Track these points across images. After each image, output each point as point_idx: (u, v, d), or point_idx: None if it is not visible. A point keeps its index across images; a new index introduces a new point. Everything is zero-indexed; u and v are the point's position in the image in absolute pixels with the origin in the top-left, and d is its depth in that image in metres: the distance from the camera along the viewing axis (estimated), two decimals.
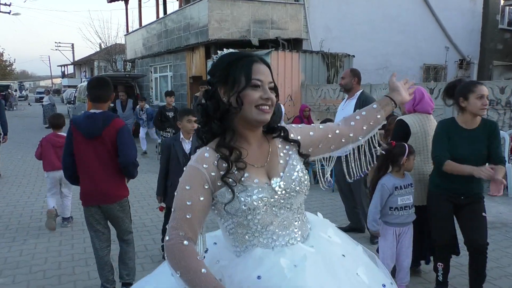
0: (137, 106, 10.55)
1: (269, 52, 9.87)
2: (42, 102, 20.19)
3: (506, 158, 6.34)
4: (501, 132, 6.54)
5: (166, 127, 7.73)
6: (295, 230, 1.44)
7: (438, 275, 3.07)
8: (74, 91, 17.95)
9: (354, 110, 3.96)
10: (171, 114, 7.79)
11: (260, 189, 1.36)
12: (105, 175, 2.93)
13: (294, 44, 11.99)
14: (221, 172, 1.35)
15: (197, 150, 1.43)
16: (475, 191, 2.92)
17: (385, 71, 13.29)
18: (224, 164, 1.36)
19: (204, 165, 1.35)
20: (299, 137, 1.55)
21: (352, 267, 1.43)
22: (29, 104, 37.05)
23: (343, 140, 1.62)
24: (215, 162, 1.36)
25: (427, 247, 3.40)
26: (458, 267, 3.59)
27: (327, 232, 1.54)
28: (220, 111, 1.39)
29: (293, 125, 1.63)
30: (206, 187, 1.34)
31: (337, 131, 1.62)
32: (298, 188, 1.43)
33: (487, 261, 2.95)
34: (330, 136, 1.61)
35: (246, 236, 1.39)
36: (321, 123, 1.96)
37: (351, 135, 1.63)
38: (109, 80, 3.17)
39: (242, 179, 1.35)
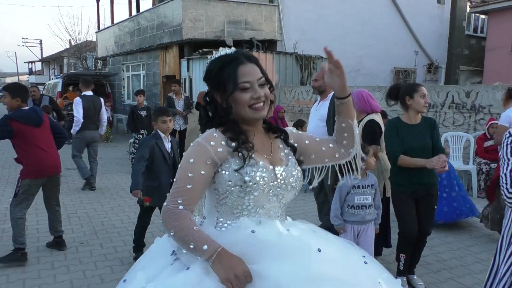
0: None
1: None
2: None
3: (471, 160, 6.57)
4: (466, 134, 6.80)
5: (138, 128, 7.59)
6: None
7: (400, 264, 3.25)
8: (42, 89, 17.39)
9: (328, 112, 4.02)
10: (143, 113, 7.66)
11: (264, 169, 1.44)
12: (55, 150, 3.93)
13: (268, 45, 12.04)
14: (230, 149, 1.43)
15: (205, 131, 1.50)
16: (432, 182, 3.22)
17: (358, 74, 13.53)
18: (233, 144, 1.44)
19: (212, 143, 1.43)
20: (296, 144, 1.62)
21: (327, 236, 1.55)
22: None
23: (336, 155, 1.65)
24: (223, 141, 1.44)
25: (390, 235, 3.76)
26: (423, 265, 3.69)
27: (301, 225, 1.60)
28: (219, 115, 1.49)
29: (294, 130, 1.69)
30: (208, 162, 1.41)
31: (331, 145, 1.65)
32: (294, 184, 1.52)
33: (452, 259, 3.37)
34: (324, 149, 1.65)
35: (234, 212, 1.45)
36: (293, 124, 2.00)
37: (342, 151, 1.65)
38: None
39: (251, 156, 1.43)
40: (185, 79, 11.54)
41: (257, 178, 1.41)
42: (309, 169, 1.69)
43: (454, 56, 15.70)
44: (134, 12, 16.24)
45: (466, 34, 16.22)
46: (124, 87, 16.18)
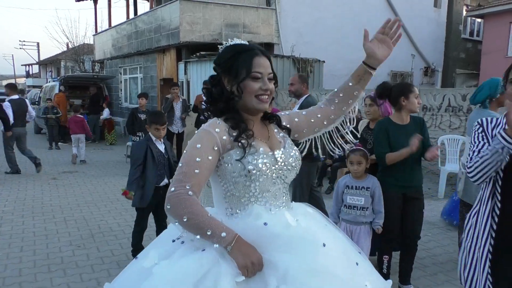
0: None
1: None
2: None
3: (465, 163, 6.58)
4: (461, 137, 6.83)
5: (136, 130, 7.60)
6: (283, 203, 1.57)
7: (383, 267, 3.23)
8: (39, 92, 17.35)
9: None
10: (143, 116, 7.67)
11: (265, 155, 1.50)
12: None
13: (266, 49, 12.02)
14: (231, 138, 1.48)
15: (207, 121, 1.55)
16: (419, 181, 3.23)
17: None
18: (234, 133, 1.49)
19: (217, 129, 1.47)
20: (288, 125, 1.70)
21: (334, 232, 1.62)
22: None
23: (325, 123, 1.75)
24: (226, 129, 1.49)
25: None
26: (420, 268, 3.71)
27: (306, 209, 1.70)
28: (224, 97, 1.53)
29: (282, 113, 1.76)
30: (216, 148, 1.45)
31: (319, 115, 1.74)
32: (294, 164, 1.59)
33: (448, 262, 3.37)
34: (312, 120, 1.74)
35: (242, 200, 1.50)
36: None
37: (332, 117, 1.75)
38: None
39: (251, 145, 1.49)
40: (182, 82, 11.55)
41: (260, 165, 1.46)
42: (304, 141, 1.79)
43: (450, 60, 15.77)
44: (131, 15, 16.26)
45: (462, 38, 16.31)
46: (121, 90, 16.18)
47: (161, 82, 12.95)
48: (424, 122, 3.26)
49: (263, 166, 1.47)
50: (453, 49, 15.85)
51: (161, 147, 3.75)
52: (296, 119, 1.73)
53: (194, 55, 11.22)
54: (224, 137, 1.47)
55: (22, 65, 48.52)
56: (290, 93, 4.60)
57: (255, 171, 1.45)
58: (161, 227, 3.87)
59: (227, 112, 1.53)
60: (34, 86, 35.58)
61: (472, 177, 1.87)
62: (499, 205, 1.87)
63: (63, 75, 19.71)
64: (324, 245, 1.41)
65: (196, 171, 1.40)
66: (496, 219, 1.88)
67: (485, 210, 1.91)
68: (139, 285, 1.35)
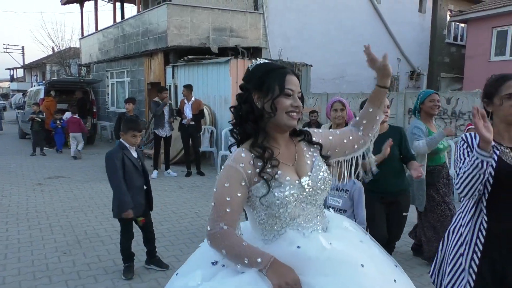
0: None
1: (228, 60, 9.90)
2: None
3: (452, 165, 6.70)
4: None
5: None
6: (317, 223, 1.59)
7: None
8: (24, 96, 17.10)
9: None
10: None
11: (291, 186, 1.51)
12: None
13: (254, 53, 12.10)
14: (257, 170, 1.50)
15: (232, 150, 1.59)
16: (402, 187, 3.28)
17: (342, 81, 13.70)
18: (259, 163, 1.50)
19: (241, 164, 1.50)
20: (320, 141, 1.70)
21: (369, 250, 1.61)
22: None
23: (355, 146, 1.76)
24: (251, 161, 1.51)
25: None
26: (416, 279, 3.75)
27: (343, 224, 1.71)
28: (254, 115, 1.54)
29: (315, 130, 1.77)
30: (243, 184, 1.49)
31: (351, 137, 1.75)
32: (323, 186, 1.60)
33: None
34: (345, 141, 1.75)
35: (275, 227, 1.54)
36: None
37: (362, 141, 1.77)
38: None
39: (276, 176, 1.51)
40: (170, 86, 11.51)
41: (287, 198, 1.49)
42: (335, 164, 1.79)
43: (435, 64, 16.04)
44: (118, 19, 16.15)
45: (446, 42, 16.58)
46: (108, 94, 16.04)
47: (148, 86, 12.88)
48: (403, 132, 3.29)
49: (291, 197, 1.50)
50: (437, 53, 16.12)
51: (134, 154, 3.70)
52: (330, 137, 1.73)
53: (182, 59, 11.19)
54: (249, 171, 1.50)
55: (6, 69, 47.79)
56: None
57: (282, 204, 1.49)
58: (148, 233, 3.83)
59: (255, 134, 1.55)
60: (18, 90, 35.06)
61: (460, 192, 1.89)
62: (486, 218, 1.90)
63: (48, 79, 19.50)
64: (362, 265, 1.42)
65: (228, 210, 1.47)
66: (484, 232, 1.90)
67: (468, 224, 1.96)
68: None
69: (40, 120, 11.34)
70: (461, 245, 1.98)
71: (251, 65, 1.63)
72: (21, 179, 7.75)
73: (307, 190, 1.55)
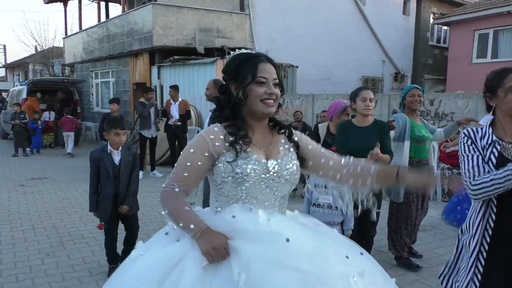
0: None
1: (214, 61, 9.90)
2: None
3: (435, 166, 6.82)
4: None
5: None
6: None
7: None
8: (6, 96, 16.78)
9: (209, 122, 4.13)
10: None
11: (256, 162, 1.55)
12: None
13: None
14: (226, 144, 1.55)
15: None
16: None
17: (327, 82, 13.81)
18: (231, 138, 1.56)
19: (211, 136, 1.56)
20: (300, 143, 1.72)
21: (320, 234, 1.62)
22: None
23: (330, 174, 1.74)
24: (222, 136, 1.57)
25: None
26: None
27: (295, 215, 1.77)
28: (231, 103, 1.60)
29: (298, 133, 1.78)
30: (207, 154, 1.55)
31: (331, 163, 1.73)
32: (288, 177, 1.62)
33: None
34: (322, 161, 1.73)
35: (230, 201, 1.59)
36: None
37: (338, 176, 1.74)
38: None
39: (245, 151, 1.55)
40: (156, 86, 11.44)
41: (248, 170, 1.53)
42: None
43: (419, 65, 16.29)
44: (103, 18, 15.98)
45: (430, 44, 16.86)
46: (93, 94, 15.85)
47: (133, 86, 12.78)
48: (386, 127, 3.36)
49: (252, 171, 1.53)
50: (421, 55, 16.37)
51: (117, 158, 3.55)
52: (310, 147, 1.74)
53: (168, 60, 11.14)
54: (217, 144, 1.55)
55: None
56: (207, 97, 4.68)
57: (242, 175, 1.52)
58: (132, 235, 3.75)
59: (232, 119, 1.60)
60: (0, 90, 34.32)
61: (476, 195, 1.82)
62: (493, 217, 1.85)
63: (31, 79, 19.16)
64: (287, 240, 1.43)
65: (186, 174, 1.56)
66: (490, 232, 1.86)
67: (478, 224, 1.90)
68: (122, 274, 1.53)
69: (23, 124, 11.15)
70: (473, 243, 1.91)
71: (229, 56, 1.68)
72: (3, 180, 7.61)
73: (271, 172, 1.57)
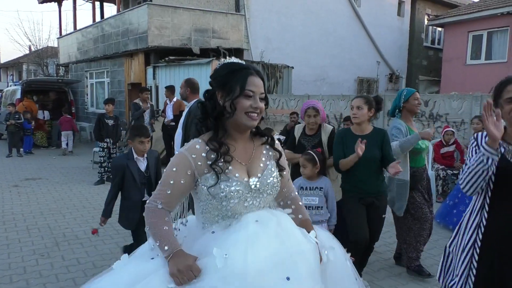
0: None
1: (210, 61, 9.89)
2: None
3: (429, 167, 6.86)
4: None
5: (103, 136, 7.47)
6: None
7: None
8: (0, 96, 16.65)
9: (185, 120, 4.14)
10: (110, 122, 7.53)
11: (238, 183, 1.59)
12: None
13: (235, 54, 12.06)
14: (208, 162, 1.57)
15: (191, 140, 1.65)
16: (381, 189, 3.32)
17: (323, 83, 13.85)
18: (212, 155, 1.57)
19: (193, 155, 1.58)
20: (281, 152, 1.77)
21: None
22: None
23: (281, 204, 1.86)
24: (204, 154, 1.58)
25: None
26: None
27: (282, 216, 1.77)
28: (216, 112, 1.61)
29: (282, 152, 1.82)
30: (189, 173, 1.57)
31: (284, 189, 1.83)
32: (269, 191, 1.67)
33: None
34: (284, 190, 1.83)
35: (216, 218, 1.62)
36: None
37: (278, 201, 1.86)
38: None
39: (227, 170, 1.58)
40: (151, 86, 11.42)
41: (232, 193, 1.57)
42: None
43: (413, 66, 16.38)
44: (98, 18, 15.93)
45: (424, 46, 16.96)
46: (87, 95, 15.78)
47: (129, 86, 12.74)
48: (386, 135, 3.30)
49: (235, 193, 1.57)
50: (415, 56, 16.47)
51: (143, 165, 3.55)
52: (284, 172, 1.79)
53: (163, 60, 11.12)
54: (200, 163, 1.57)
55: None
56: (181, 96, 4.73)
57: (226, 197, 1.57)
58: (138, 242, 3.66)
59: (215, 129, 1.62)
60: None
61: (463, 188, 1.90)
62: (486, 215, 1.90)
63: (25, 79, 19.03)
64: (256, 221, 1.55)
65: (168, 192, 1.58)
66: (483, 229, 1.91)
67: (473, 221, 1.96)
68: (99, 281, 1.58)
69: (18, 124, 11.07)
70: (468, 244, 1.97)
71: (219, 64, 1.68)
72: None
73: (253, 190, 1.62)
